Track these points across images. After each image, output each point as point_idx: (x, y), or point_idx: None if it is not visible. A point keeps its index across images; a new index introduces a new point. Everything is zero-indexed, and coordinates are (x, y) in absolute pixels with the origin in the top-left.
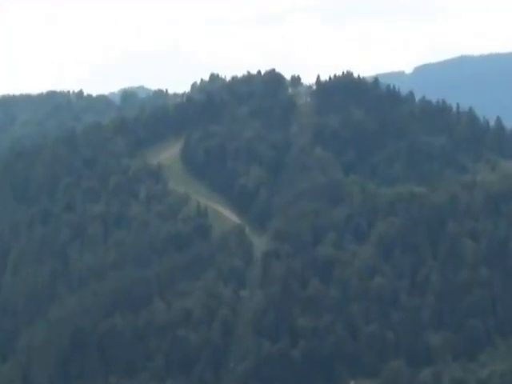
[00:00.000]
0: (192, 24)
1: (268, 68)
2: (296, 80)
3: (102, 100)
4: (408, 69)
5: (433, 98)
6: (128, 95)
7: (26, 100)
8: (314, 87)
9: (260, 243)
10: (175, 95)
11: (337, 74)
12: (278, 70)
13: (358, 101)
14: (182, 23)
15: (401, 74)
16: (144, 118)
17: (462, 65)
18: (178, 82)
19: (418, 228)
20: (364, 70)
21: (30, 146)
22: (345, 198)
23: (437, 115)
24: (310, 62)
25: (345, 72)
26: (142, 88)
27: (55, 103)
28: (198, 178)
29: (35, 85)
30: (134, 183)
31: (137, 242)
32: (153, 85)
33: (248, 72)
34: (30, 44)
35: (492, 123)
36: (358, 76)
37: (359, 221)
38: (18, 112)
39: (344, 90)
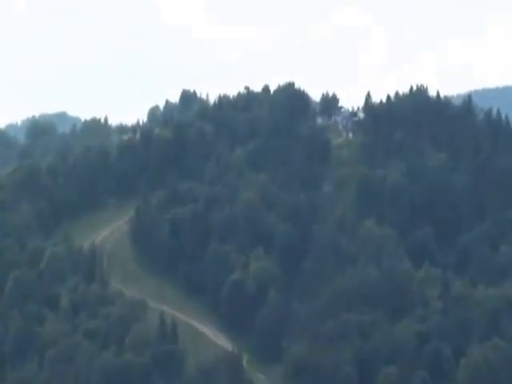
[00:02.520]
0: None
1: (282, 81)
2: (330, 102)
3: None
4: None
5: None
6: (39, 129)
7: None
8: (361, 115)
9: (268, 383)
10: (121, 128)
11: (400, 92)
12: (298, 84)
13: (438, 137)
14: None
15: (508, 90)
16: (67, 169)
17: None
18: (127, 106)
19: None
20: (446, 85)
21: None
22: (415, 306)
23: None
24: (350, 72)
25: (414, 88)
26: (63, 116)
27: None
28: (161, 272)
29: None
30: (50, 282)
31: (53, 383)
32: (82, 110)
33: (247, 88)
34: None
35: None
36: (438, 94)
37: (440, 345)
38: None
39: (413, 119)
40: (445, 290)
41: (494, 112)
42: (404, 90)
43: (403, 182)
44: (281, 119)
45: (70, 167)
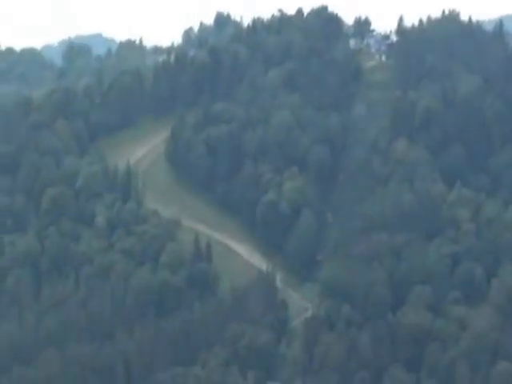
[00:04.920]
0: None
1: (316, 5)
2: (362, 25)
3: (32, 58)
4: None
5: None
6: (75, 50)
7: None
8: (394, 38)
9: (301, 303)
10: (156, 50)
11: (433, 17)
12: (332, 8)
13: (470, 61)
14: None
15: None
16: (103, 90)
17: None
18: (162, 28)
19: None
20: (478, 9)
21: None
22: (446, 227)
23: None
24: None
25: (447, 12)
26: (98, 37)
27: None
28: (196, 192)
29: None
30: (86, 200)
31: (90, 299)
32: (117, 32)
33: (280, 11)
34: None
35: None
36: (470, 19)
37: (471, 266)
38: None
39: (445, 43)
40: (476, 211)
41: None
42: (436, 14)
43: (435, 105)
44: (314, 42)
45: (106, 89)
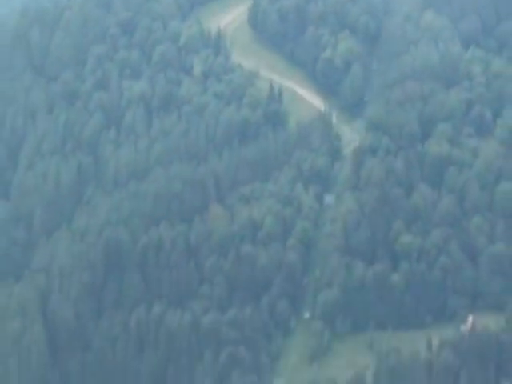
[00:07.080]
0: None
1: None
2: None
3: None
4: None
5: None
6: None
7: None
8: None
9: (351, 136)
10: None
11: None
12: None
13: None
14: None
15: None
16: None
17: None
18: None
19: None
20: None
21: (49, 6)
22: (463, 79)
23: None
24: None
25: None
26: None
27: None
28: (271, 49)
29: None
30: (186, 55)
31: (189, 131)
32: None
33: None
34: None
35: None
36: None
37: (482, 109)
38: None
39: None
40: (486, 67)
41: None
42: None
43: None
44: None
45: None
